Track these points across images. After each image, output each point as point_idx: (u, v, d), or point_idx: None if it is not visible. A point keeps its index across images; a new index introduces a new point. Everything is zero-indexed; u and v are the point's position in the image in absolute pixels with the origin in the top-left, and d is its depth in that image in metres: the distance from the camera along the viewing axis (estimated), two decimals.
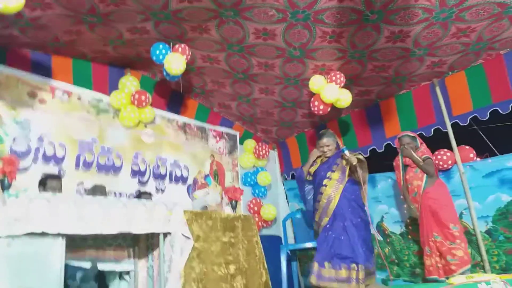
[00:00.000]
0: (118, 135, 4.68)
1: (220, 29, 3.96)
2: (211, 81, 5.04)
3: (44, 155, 4.03)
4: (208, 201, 4.62)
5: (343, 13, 3.60)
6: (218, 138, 5.77)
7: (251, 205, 5.63)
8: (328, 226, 3.90)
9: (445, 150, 4.44)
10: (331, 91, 4.36)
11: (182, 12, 3.65)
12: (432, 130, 4.65)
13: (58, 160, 4.13)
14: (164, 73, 4.24)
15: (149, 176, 4.85)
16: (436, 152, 4.42)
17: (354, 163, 3.86)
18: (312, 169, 4.26)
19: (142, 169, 4.80)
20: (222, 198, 5.36)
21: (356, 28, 3.81)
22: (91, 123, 4.49)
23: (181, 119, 5.38)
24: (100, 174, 4.40)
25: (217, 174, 5.58)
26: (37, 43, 3.95)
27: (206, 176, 5.44)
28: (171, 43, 4.12)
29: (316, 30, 3.84)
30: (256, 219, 5.45)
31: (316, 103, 4.55)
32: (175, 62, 3.98)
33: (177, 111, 5.37)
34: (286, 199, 6.22)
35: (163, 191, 4.93)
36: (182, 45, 4.09)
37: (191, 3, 3.50)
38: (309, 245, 4.41)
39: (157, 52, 4.06)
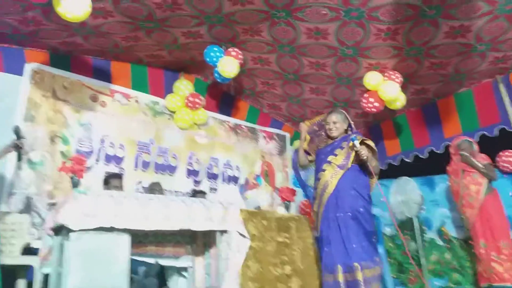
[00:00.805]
0: (173, 136, 4.84)
1: (271, 30, 3.99)
2: (261, 82, 5.08)
3: (106, 155, 4.26)
4: (260, 201, 4.65)
5: (398, 9, 3.50)
6: (268, 139, 5.80)
7: (302, 207, 5.59)
8: (323, 218, 3.33)
9: (510, 151, 4.18)
10: (391, 89, 4.23)
11: (234, 14, 3.71)
12: (496, 130, 4.39)
13: (119, 160, 4.34)
14: (216, 76, 4.34)
15: (203, 175, 4.97)
16: (501, 153, 4.17)
17: (363, 158, 3.22)
18: (311, 148, 3.67)
19: (197, 169, 4.93)
20: (273, 199, 5.38)
21: (413, 24, 3.69)
22: (148, 125, 4.68)
23: (232, 120, 5.47)
24: (157, 173, 4.57)
25: (267, 175, 5.61)
26: (98, 49, 4.18)
27: (257, 177, 5.48)
28: (224, 46, 4.21)
29: (370, 27, 3.77)
30: None
31: (372, 99, 4.41)
32: (229, 65, 4.07)
33: (228, 113, 5.47)
34: None
35: (216, 190, 5.03)
36: (235, 49, 4.17)
37: (243, 6, 3.56)
38: None
39: (212, 54, 4.16)
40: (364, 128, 5.76)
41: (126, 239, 2.75)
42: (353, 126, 3.54)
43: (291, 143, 6.00)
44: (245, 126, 5.59)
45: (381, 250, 4.56)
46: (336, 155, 3.37)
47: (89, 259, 2.61)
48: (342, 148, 3.38)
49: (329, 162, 3.36)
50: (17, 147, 2.85)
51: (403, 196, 4.95)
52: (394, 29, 3.77)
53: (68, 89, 4.11)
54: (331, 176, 3.30)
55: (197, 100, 4.77)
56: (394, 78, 4.26)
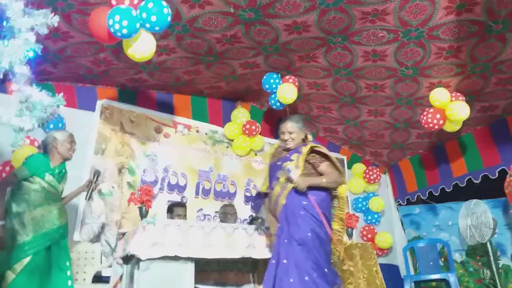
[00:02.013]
0: (232, 164, 4.94)
1: (327, 56, 4.00)
2: (317, 106, 5.07)
3: (169, 184, 4.42)
4: None
5: (461, 27, 3.38)
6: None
7: (364, 232, 5.40)
8: (275, 245, 2.75)
9: None
10: (462, 109, 3.96)
11: (290, 43, 3.77)
12: None
13: (181, 189, 4.48)
14: (272, 102, 4.40)
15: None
16: None
17: (300, 190, 2.65)
18: (266, 175, 3.04)
19: (254, 195, 4.95)
20: None
21: (477, 41, 3.52)
22: (208, 153, 4.82)
23: None
24: (217, 200, 4.66)
25: None
26: (162, 84, 4.41)
27: None
28: (280, 74, 4.28)
29: (430, 47, 3.65)
30: None
31: (438, 116, 4.07)
32: (288, 91, 4.14)
33: None
34: (402, 226, 5.84)
35: None
36: (292, 77, 4.23)
37: (299, 34, 3.61)
38: (435, 276, 4.06)
39: (271, 81, 4.24)
40: (427, 150, 5.51)
41: (190, 267, 2.81)
42: (308, 135, 2.95)
43: (349, 167, 5.87)
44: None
45: (452, 278, 4.27)
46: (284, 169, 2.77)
47: (158, 287, 2.69)
48: (291, 161, 2.77)
49: (277, 179, 2.79)
50: (91, 187, 3.03)
51: (474, 220, 4.65)
52: (457, 46, 3.63)
53: (134, 123, 4.36)
54: (279, 194, 2.74)
55: (253, 127, 4.86)
56: (459, 97, 4.04)
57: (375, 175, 5.58)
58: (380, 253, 5.37)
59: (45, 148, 2.79)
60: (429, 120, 4.10)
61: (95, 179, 3.02)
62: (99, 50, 3.49)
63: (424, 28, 3.43)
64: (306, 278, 2.45)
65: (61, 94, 1.31)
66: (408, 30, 3.48)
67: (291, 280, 2.46)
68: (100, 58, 3.62)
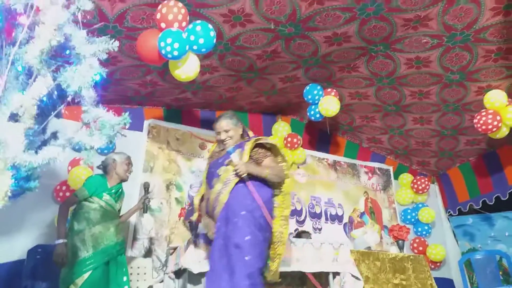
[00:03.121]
0: None
1: (369, 65, 3.97)
2: (359, 117, 5.01)
3: None
4: (369, 241, 4.44)
5: (510, 28, 3.25)
6: (370, 174, 5.60)
7: (415, 245, 5.21)
8: (213, 245, 2.51)
9: None
10: None
11: (331, 55, 3.78)
12: None
13: None
14: (310, 114, 4.38)
15: (305, 215, 4.94)
16: None
17: (241, 175, 2.44)
18: (204, 177, 2.82)
19: (298, 208, 4.93)
20: (381, 238, 5.10)
21: None
22: None
23: (330, 157, 5.42)
24: None
25: (373, 212, 5.37)
26: (205, 102, 4.53)
27: (361, 214, 5.28)
28: (321, 86, 4.28)
29: (477, 50, 3.54)
30: None
31: (496, 119, 3.76)
32: (331, 104, 4.12)
33: (326, 150, 5.44)
34: (455, 237, 5.58)
35: (320, 230, 4.95)
36: (334, 89, 4.22)
37: (340, 45, 3.61)
38: None
39: (314, 92, 4.23)
40: (477, 157, 5.28)
41: None
42: (248, 130, 2.81)
43: (396, 177, 5.71)
44: (345, 162, 5.49)
45: None
46: (227, 165, 2.56)
47: None
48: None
49: (218, 176, 2.57)
50: (145, 203, 3.16)
51: None
52: (506, 48, 3.49)
53: (180, 140, 4.49)
54: (219, 192, 2.52)
55: (295, 140, 4.85)
56: None
57: (423, 185, 5.40)
58: (432, 267, 5.14)
59: (104, 168, 2.95)
60: (485, 121, 3.77)
61: (147, 193, 3.15)
62: (146, 72, 3.65)
63: (470, 31, 3.34)
64: (240, 285, 2.26)
65: (127, 113, 1.39)
66: (453, 35, 3.39)
67: (223, 286, 2.30)
68: (147, 80, 3.79)
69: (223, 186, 2.50)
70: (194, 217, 2.75)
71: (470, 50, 3.56)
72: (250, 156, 2.54)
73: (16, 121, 1.16)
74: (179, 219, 3.87)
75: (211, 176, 2.63)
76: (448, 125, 4.77)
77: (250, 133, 2.77)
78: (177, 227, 4.08)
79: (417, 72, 3.95)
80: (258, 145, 2.61)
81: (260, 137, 2.65)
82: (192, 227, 3.01)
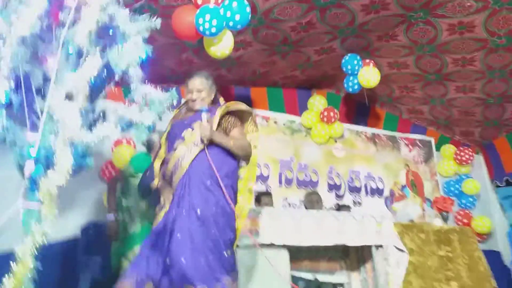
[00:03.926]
0: (312, 152, 4.92)
1: (408, 33, 3.81)
2: (398, 87, 4.85)
3: None
4: (411, 214, 4.38)
5: None
6: (411, 146, 5.46)
7: (459, 217, 5.08)
8: (168, 213, 2.25)
9: None
10: None
11: (368, 24, 3.65)
12: None
13: (264, 179, 4.58)
14: (348, 85, 4.28)
15: (345, 189, 4.91)
16: None
17: (204, 137, 2.24)
18: (163, 139, 2.50)
19: (338, 183, 4.90)
20: (424, 210, 5.01)
21: None
22: (288, 143, 4.85)
23: (369, 130, 5.31)
24: (299, 189, 4.68)
25: (414, 185, 5.26)
26: (239, 78, 4.53)
27: (403, 187, 5.19)
28: (358, 57, 4.16)
29: None
30: None
31: None
32: (372, 75, 4.01)
33: (364, 123, 5.34)
34: (502, 208, 5.39)
35: (360, 204, 4.91)
36: (372, 60, 4.10)
37: (377, 13, 3.48)
38: None
39: (355, 62, 4.11)
40: None
41: (285, 254, 2.87)
42: (219, 97, 2.54)
43: (437, 149, 5.54)
44: (384, 135, 5.37)
45: None
46: (193, 129, 2.32)
47: (253, 274, 2.79)
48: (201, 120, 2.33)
49: (182, 138, 2.32)
50: None
51: None
52: None
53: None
54: (183, 156, 2.28)
55: (331, 114, 4.78)
56: None
57: (467, 156, 5.21)
58: (479, 239, 5.01)
59: (148, 146, 3.04)
60: None
61: None
62: (181, 50, 3.68)
63: None
64: (201, 259, 2.08)
65: (174, 88, 1.42)
66: None
67: (183, 259, 2.07)
68: (182, 58, 3.82)
69: (187, 151, 2.29)
70: (155, 183, 2.44)
71: None
72: (219, 124, 2.34)
73: (71, 100, 1.21)
74: None
75: (172, 138, 2.35)
76: (494, 92, 4.54)
77: (221, 100, 2.54)
78: None
79: (460, 38, 3.75)
80: (230, 113, 2.41)
81: (233, 102, 2.46)
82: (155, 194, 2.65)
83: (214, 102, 2.47)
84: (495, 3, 3.29)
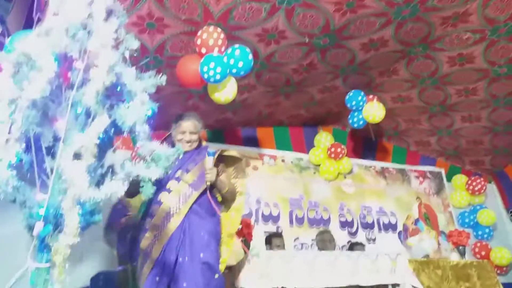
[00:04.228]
0: (321, 189, 4.89)
1: (409, 67, 3.88)
2: (404, 120, 4.88)
3: (263, 215, 4.50)
4: (426, 249, 4.27)
5: None
6: (421, 179, 5.40)
7: (476, 249, 4.94)
8: (156, 264, 2.19)
9: None
10: None
11: (368, 61, 3.73)
12: None
13: (275, 219, 4.53)
14: (353, 121, 4.29)
15: (357, 226, 4.83)
16: None
17: (210, 181, 2.27)
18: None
19: (349, 219, 4.83)
20: (439, 244, 4.88)
21: None
22: (296, 181, 4.84)
23: (378, 164, 5.29)
24: (311, 228, 4.61)
25: (428, 218, 5.16)
26: (245, 120, 4.60)
27: (416, 221, 5.09)
28: (362, 92, 4.22)
29: None
30: None
31: None
32: (376, 110, 4.03)
33: (372, 157, 5.32)
34: None
35: (373, 240, 4.81)
36: (376, 96, 4.15)
37: (377, 51, 3.56)
38: None
39: (359, 98, 4.12)
40: None
41: None
42: (203, 140, 2.62)
43: (448, 179, 5.48)
44: (393, 168, 5.34)
45: None
46: (188, 170, 2.32)
47: None
48: (196, 163, 2.37)
49: (178, 179, 2.29)
50: None
51: None
52: None
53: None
54: (180, 199, 2.23)
55: (338, 150, 4.79)
56: None
57: (479, 186, 5.13)
58: (498, 272, 4.84)
59: None
60: None
61: None
62: (187, 97, 3.78)
63: None
64: None
65: (180, 144, 1.45)
66: (496, 27, 3.26)
67: None
68: (189, 104, 3.90)
69: (184, 191, 2.27)
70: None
71: None
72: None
73: (79, 159, 1.25)
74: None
75: (164, 179, 2.06)
76: (500, 120, 4.54)
77: (204, 143, 2.62)
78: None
79: (461, 69, 3.81)
80: (219, 158, 2.46)
81: (224, 150, 2.53)
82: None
83: (199, 144, 2.53)
84: (492, 34, 3.36)
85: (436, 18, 3.20)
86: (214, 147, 4.49)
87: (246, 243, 3.06)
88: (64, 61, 1.51)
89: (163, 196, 2.27)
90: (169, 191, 2.28)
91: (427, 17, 3.17)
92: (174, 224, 2.21)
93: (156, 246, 2.21)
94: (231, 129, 4.70)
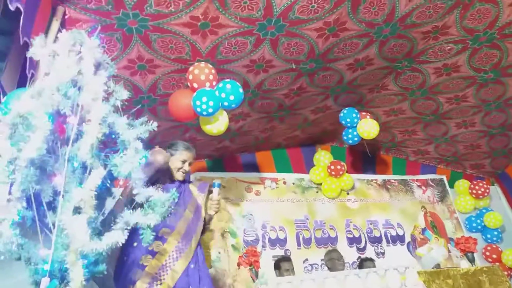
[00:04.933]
0: (325, 208, 4.90)
1: (398, 81, 3.96)
2: (399, 132, 4.93)
3: (270, 239, 4.50)
4: (436, 258, 4.25)
5: None
6: (424, 187, 5.42)
7: (487, 253, 4.90)
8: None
9: None
10: None
11: (356, 80, 3.82)
12: None
13: (282, 242, 4.52)
14: (347, 137, 4.33)
15: (365, 241, 4.82)
16: None
17: (212, 213, 2.56)
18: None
19: (357, 235, 4.82)
20: (449, 251, 4.85)
21: None
22: (300, 202, 4.86)
23: (379, 177, 5.32)
24: (320, 248, 4.60)
25: (435, 226, 5.14)
26: (243, 146, 4.66)
27: (423, 230, 5.07)
28: (355, 109, 4.29)
29: (506, 45, 3.46)
30: None
31: None
32: (371, 126, 4.09)
33: (372, 171, 5.36)
34: None
35: (383, 254, 4.78)
36: (368, 113, 4.22)
37: (364, 69, 3.65)
38: None
39: (353, 115, 4.20)
40: None
41: None
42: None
43: (451, 185, 5.49)
44: (395, 180, 5.36)
45: None
46: (186, 207, 2.43)
47: None
48: (190, 196, 2.49)
49: (184, 206, 2.42)
50: None
51: None
52: None
53: (226, 187, 4.60)
54: (178, 249, 2.27)
55: (338, 167, 4.82)
56: None
57: (482, 189, 5.14)
58: (511, 274, 4.79)
59: None
60: None
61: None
62: (184, 131, 3.85)
63: (494, 30, 3.28)
64: None
65: (174, 188, 1.50)
66: (477, 36, 3.35)
67: None
68: (186, 137, 3.97)
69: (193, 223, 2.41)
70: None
71: (498, 47, 3.48)
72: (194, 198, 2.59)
73: (79, 213, 1.30)
74: (238, 268, 3.90)
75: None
76: (494, 123, 4.59)
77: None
78: (238, 275, 4.10)
79: (449, 78, 3.89)
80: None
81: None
82: None
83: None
84: (474, 43, 3.45)
85: (417, 34, 3.29)
86: (215, 176, 4.57)
87: (254, 271, 3.08)
88: (58, 117, 1.58)
89: (157, 245, 2.27)
90: (165, 237, 2.32)
91: (407, 34, 3.26)
92: (180, 268, 2.23)
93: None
94: (230, 156, 4.76)
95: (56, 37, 1.77)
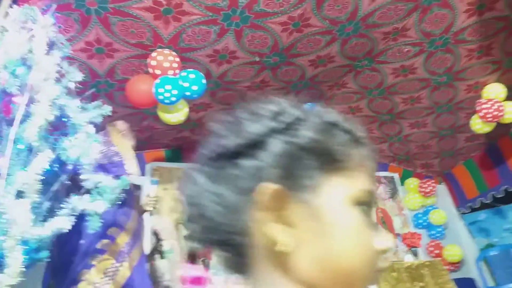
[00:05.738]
0: None
1: (357, 80, 4.06)
2: None
3: None
4: None
5: (487, 25, 3.35)
6: (376, 184, 5.61)
7: (430, 249, 5.17)
8: None
9: None
10: None
11: (318, 76, 3.87)
12: None
13: None
14: None
15: None
16: None
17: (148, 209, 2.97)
18: None
19: None
20: (396, 246, 5.07)
21: (507, 35, 3.47)
22: None
23: None
24: None
25: (384, 222, 5.36)
26: (203, 138, 4.60)
27: None
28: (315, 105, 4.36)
29: (459, 51, 3.63)
30: None
31: (500, 105, 3.82)
32: None
33: None
34: (470, 235, 5.54)
35: None
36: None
37: (325, 66, 3.71)
38: None
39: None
40: (479, 152, 5.30)
41: None
42: None
43: (402, 183, 5.72)
44: None
45: None
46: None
47: None
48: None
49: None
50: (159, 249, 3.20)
51: None
52: (487, 45, 3.58)
53: (182, 178, 4.54)
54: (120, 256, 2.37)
55: None
56: None
57: (430, 187, 5.40)
58: (452, 268, 5.09)
59: None
60: (489, 110, 3.79)
61: (159, 240, 3.19)
62: (142, 118, 3.75)
63: (449, 35, 3.43)
64: None
65: (124, 176, 1.46)
66: (433, 40, 3.49)
67: None
68: (144, 125, 3.88)
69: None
70: None
71: (452, 52, 3.64)
72: None
73: (22, 197, 1.23)
74: None
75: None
76: (444, 125, 4.82)
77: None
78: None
79: (405, 79, 4.03)
80: None
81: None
82: None
83: None
84: (430, 46, 3.59)
85: (378, 34, 3.38)
86: (173, 167, 4.49)
87: (207, 262, 3.07)
88: (4, 96, 1.49)
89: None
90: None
91: (369, 33, 3.35)
92: None
93: None
94: (189, 147, 4.69)
95: (7, 12, 1.66)
